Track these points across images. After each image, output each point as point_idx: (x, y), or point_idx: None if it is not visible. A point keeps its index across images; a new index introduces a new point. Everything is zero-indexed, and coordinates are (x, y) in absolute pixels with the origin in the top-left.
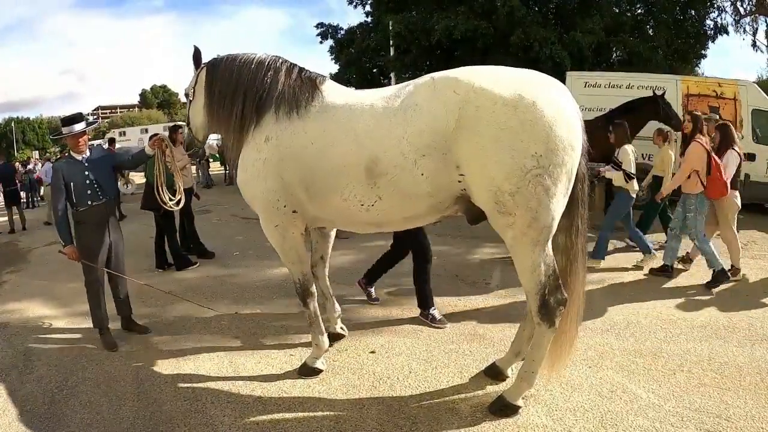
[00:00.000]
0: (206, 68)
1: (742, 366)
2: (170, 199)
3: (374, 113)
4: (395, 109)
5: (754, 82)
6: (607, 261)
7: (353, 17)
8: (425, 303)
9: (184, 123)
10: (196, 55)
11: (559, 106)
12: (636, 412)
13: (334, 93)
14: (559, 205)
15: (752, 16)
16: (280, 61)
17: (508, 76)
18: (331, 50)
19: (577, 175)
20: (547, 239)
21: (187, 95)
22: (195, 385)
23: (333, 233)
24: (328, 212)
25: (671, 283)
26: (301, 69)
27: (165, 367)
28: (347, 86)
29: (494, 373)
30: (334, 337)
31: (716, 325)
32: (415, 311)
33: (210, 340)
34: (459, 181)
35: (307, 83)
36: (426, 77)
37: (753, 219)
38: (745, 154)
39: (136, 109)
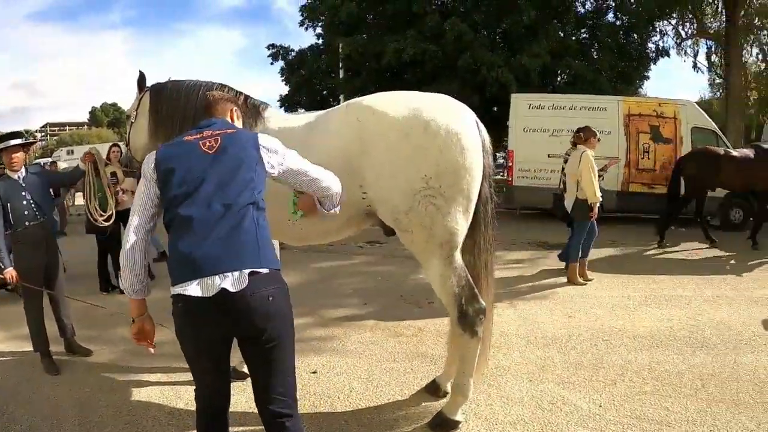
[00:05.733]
0: (150, 92)
1: (683, 372)
2: (101, 215)
3: (297, 137)
4: (314, 134)
5: (695, 102)
6: (551, 275)
7: (308, 39)
8: None
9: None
10: (141, 79)
11: (452, 131)
12: (576, 422)
13: (273, 119)
14: (456, 223)
15: (693, 39)
16: (227, 88)
17: (408, 102)
18: (282, 72)
19: (480, 196)
20: (451, 254)
21: (128, 117)
22: (136, 406)
23: (277, 245)
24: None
25: (614, 295)
26: (247, 96)
27: (106, 389)
28: (297, 108)
29: (434, 389)
30: None
31: (657, 334)
32: (359, 329)
33: (152, 361)
34: (363, 198)
35: (252, 109)
36: (344, 104)
37: (693, 233)
38: None
39: (86, 127)
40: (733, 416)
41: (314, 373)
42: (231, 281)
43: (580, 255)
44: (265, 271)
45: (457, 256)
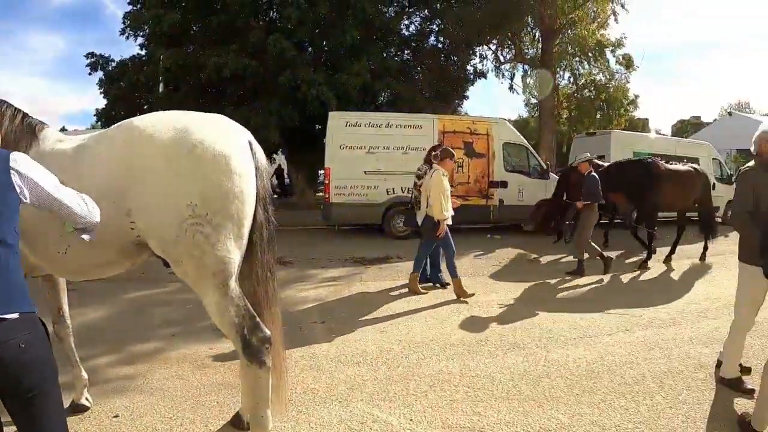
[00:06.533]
0: None
1: (494, 375)
2: None
3: (66, 160)
4: (82, 156)
5: (514, 120)
6: (366, 291)
7: (136, 49)
8: None
9: None
10: None
11: (220, 154)
12: None
13: (48, 140)
14: (228, 251)
15: (512, 64)
16: (5, 105)
17: (176, 123)
18: (101, 83)
19: (254, 221)
20: (225, 283)
21: None
22: None
23: (63, 283)
24: (41, 259)
25: (428, 305)
26: (25, 115)
27: None
28: (113, 124)
29: (238, 421)
30: (77, 409)
31: (469, 341)
32: (165, 363)
33: None
34: (132, 228)
35: (27, 130)
36: (116, 124)
37: (511, 238)
38: (499, 181)
39: None
40: (546, 412)
41: (116, 417)
42: None
43: (413, 270)
44: (14, 316)
45: (233, 285)
